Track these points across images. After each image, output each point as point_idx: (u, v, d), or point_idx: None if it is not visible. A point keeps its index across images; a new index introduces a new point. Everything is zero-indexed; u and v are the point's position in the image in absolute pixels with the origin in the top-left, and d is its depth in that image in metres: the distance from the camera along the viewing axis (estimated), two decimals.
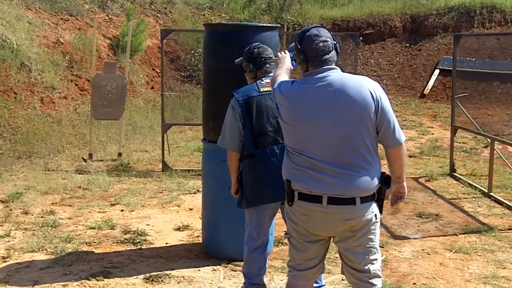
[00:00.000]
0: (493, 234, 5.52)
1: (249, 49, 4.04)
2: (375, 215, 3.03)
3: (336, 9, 19.14)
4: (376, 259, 3.10)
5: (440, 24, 17.58)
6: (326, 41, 3.02)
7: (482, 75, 14.93)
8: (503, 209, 6.36)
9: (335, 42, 3.07)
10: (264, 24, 5.06)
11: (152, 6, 16.12)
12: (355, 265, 3.09)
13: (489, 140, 7.35)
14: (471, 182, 7.39)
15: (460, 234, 5.57)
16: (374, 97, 2.93)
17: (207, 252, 5.03)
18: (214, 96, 4.94)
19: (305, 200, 3.01)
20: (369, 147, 2.96)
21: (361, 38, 17.79)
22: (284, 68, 3.36)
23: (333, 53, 3.04)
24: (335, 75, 2.99)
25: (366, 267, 3.07)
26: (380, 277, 3.14)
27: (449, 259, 4.93)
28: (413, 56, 17.35)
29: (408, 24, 18.12)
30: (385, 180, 3.03)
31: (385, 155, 3.08)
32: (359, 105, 2.91)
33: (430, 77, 16.21)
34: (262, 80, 3.92)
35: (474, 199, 6.79)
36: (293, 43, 3.18)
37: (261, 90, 3.89)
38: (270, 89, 3.56)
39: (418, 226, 5.82)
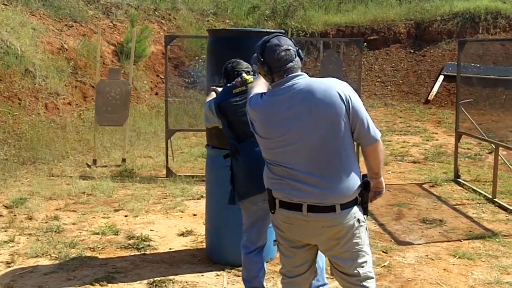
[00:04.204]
0: (497, 240, 5.49)
1: (224, 65, 4.23)
2: (358, 219, 3.00)
3: (340, 15, 19.20)
4: (365, 262, 3.08)
5: (444, 30, 17.59)
6: (288, 49, 2.98)
7: (487, 81, 14.90)
8: (507, 215, 6.34)
9: (297, 49, 3.03)
10: (268, 30, 5.08)
11: (156, 13, 16.19)
12: (345, 270, 3.08)
13: (494, 146, 7.32)
14: (475, 188, 7.37)
15: (464, 239, 5.55)
16: (344, 97, 2.88)
17: (210, 258, 5.03)
18: None
19: (286, 208, 3.00)
20: (346, 149, 2.93)
21: (365, 44, 17.82)
22: (262, 80, 3.30)
23: (297, 60, 3.00)
24: (302, 82, 2.96)
25: (356, 271, 3.05)
26: (372, 278, 3.12)
27: (453, 264, 4.91)
28: (417, 62, 17.36)
29: (412, 30, 18.15)
30: (365, 185, 3.01)
31: (362, 152, 3.08)
32: (329, 108, 2.87)
33: (435, 83, 16.20)
34: (233, 81, 4.05)
35: (478, 205, 6.77)
36: (255, 55, 3.14)
37: (234, 92, 4.01)
38: (243, 88, 3.82)
39: (422, 231, 5.80)
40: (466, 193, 7.31)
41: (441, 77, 16.20)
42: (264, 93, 3.11)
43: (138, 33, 13.12)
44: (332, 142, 2.90)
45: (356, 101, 2.93)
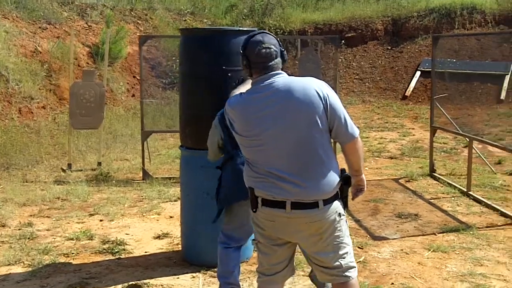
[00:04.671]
0: (471, 232, 5.53)
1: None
2: (339, 213, 3.06)
3: (318, 13, 19.24)
4: (346, 253, 3.13)
5: (421, 26, 17.72)
6: (270, 48, 3.01)
7: (463, 76, 15.04)
8: (481, 208, 6.39)
9: (282, 50, 3.06)
10: (241, 28, 5.04)
11: (132, 13, 16.09)
12: (326, 264, 3.12)
13: (468, 140, 7.38)
14: (450, 182, 7.42)
15: (438, 233, 5.58)
16: (321, 95, 2.93)
17: (186, 260, 4.99)
18: (190, 102, 4.91)
19: (269, 206, 3.02)
20: (324, 147, 2.98)
21: (343, 41, 17.91)
22: (248, 85, 3.31)
23: (278, 60, 3.03)
24: (280, 80, 2.99)
25: (338, 263, 3.10)
26: (354, 267, 3.17)
27: (427, 258, 4.93)
28: (394, 59, 17.46)
29: (389, 26, 18.25)
30: (345, 180, 3.07)
31: (341, 150, 3.12)
32: (308, 106, 2.92)
33: (412, 79, 16.31)
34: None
35: (453, 198, 6.82)
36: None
37: None
38: None
39: (397, 226, 5.83)
40: (442, 187, 7.36)
41: (418, 73, 16.31)
42: (244, 92, 3.15)
43: (114, 34, 13.03)
44: (311, 140, 2.94)
45: (334, 99, 2.97)
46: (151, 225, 6.07)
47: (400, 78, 16.63)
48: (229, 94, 4.68)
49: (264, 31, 3.14)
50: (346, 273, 3.12)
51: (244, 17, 18.74)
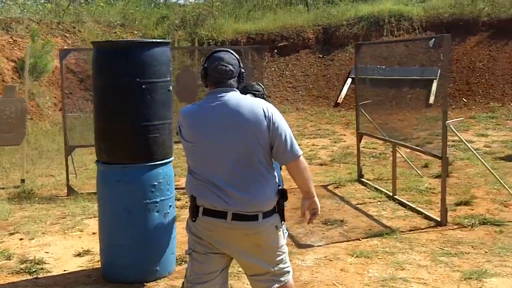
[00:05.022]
0: (394, 236, 5.61)
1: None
2: (276, 226, 3.16)
3: (250, 23, 19.30)
4: (281, 260, 3.24)
5: (351, 34, 18.04)
6: (227, 66, 3.16)
7: (393, 82, 15.39)
8: (406, 211, 6.51)
9: (241, 71, 3.22)
10: (154, 40, 4.97)
11: (60, 26, 15.69)
12: (263, 271, 3.20)
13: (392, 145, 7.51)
14: (377, 187, 7.53)
15: (363, 238, 5.63)
16: (266, 114, 3.06)
17: (105, 277, 4.84)
18: (105, 115, 4.79)
19: (210, 215, 3.08)
20: (264, 163, 3.10)
21: (275, 50, 18.05)
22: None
23: (234, 79, 3.19)
24: (232, 95, 3.13)
25: (273, 269, 3.20)
26: (288, 272, 3.29)
27: (350, 264, 4.96)
28: (326, 67, 17.70)
29: (320, 35, 18.49)
30: (281, 194, 3.16)
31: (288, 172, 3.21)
32: (253, 123, 3.05)
33: (343, 86, 16.57)
34: None
35: (379, 203, 6.92)
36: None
37: None
38: None
39: (323, 233, 5.85)
40: (369, 192, 7.46)
41: (349, 80, 16.58)
42: (197, 102, 3.28)
43: (40, 48, 12.67)
44: (252, 155, 3.06)
45: (278, 119, 3.11)
46: (72, 242, 5.87)
47: (332, 86, 16.87)
48: (144, 106, 4.63)
49: (228, 50, 3.28)
50: (281, 278, 3.24)
51: (175, 28, 18.58)
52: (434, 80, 16.76)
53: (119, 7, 19.67)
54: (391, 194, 7.07)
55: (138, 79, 4.53)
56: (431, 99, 16.40)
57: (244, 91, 4.07)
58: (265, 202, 3.08)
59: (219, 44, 17.60)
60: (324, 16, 18.96)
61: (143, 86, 4.53)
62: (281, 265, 3.23)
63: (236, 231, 3.07)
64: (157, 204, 4.70)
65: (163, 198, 4.74)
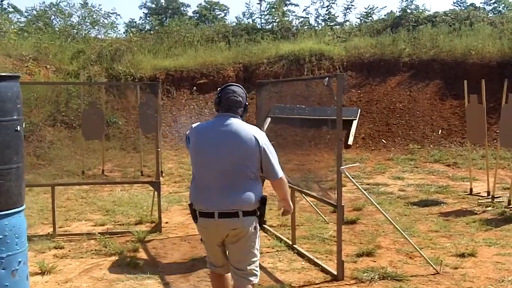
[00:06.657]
0: None
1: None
2: (255, 226, 3.92)
3: (170, 59, 18.86)
4: (253, 261, 3.98)
5: (271, 72, 17.88)
6: (238, 97, 4.00)
7: (312, 122, 15.16)
8: (303, 263, 6.01)
9: (246, 104, 4.06)
10: (2, 74, 4.33)
11: None
12: (237, 265, 3.97)
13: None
14: (278, 235, 7.03)
15: None
16: (259, 141, 3.86)
17: None
18: None
19: (203, 216, 3.90)
20: (252, 176, 3.87)
21: (194, 87, 17.62)
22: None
23: (240, 109, 4.01)
24: (235, 122, 3.93)
25: (244, 267, 3.94)
26: (256, 275, 4.00)
27: None
28: None
29: (241, 73, 18.25)
30: (262, 200, 3.91)
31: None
32: (248, 145, 3.84)
33: (263, 124, 16.22)
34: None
35: (277, 252, 6.40)
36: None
37: None
38: None
39: None
40: (269, 240, 6.95)
41: (268, 119, 16.26)
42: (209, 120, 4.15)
43: None
44: (243, 167, 3.84)
45: (268, 147, 3.91)
46: None
47: (252, 124, 16.46)
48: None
49: (239, 85, 4.12)
50: (249, 278, 3.97)
51: (92, 63, 17.86)
52: (354, 121, 16.71)
53: (32, 40, 18.79)
54: (290, 243, 6.58)
55: None
56: (350, 140, 16.31)
57: None
58: (244, 201, 3.81)
59: (137, 80, 17.03)
60: (245, 54, 18.76)
61: None
62: (252, 266, 3.95)
63: (222, 226, 3.84)
64: (2, 261, 4.01)
65: (9, 253, 4.06)
